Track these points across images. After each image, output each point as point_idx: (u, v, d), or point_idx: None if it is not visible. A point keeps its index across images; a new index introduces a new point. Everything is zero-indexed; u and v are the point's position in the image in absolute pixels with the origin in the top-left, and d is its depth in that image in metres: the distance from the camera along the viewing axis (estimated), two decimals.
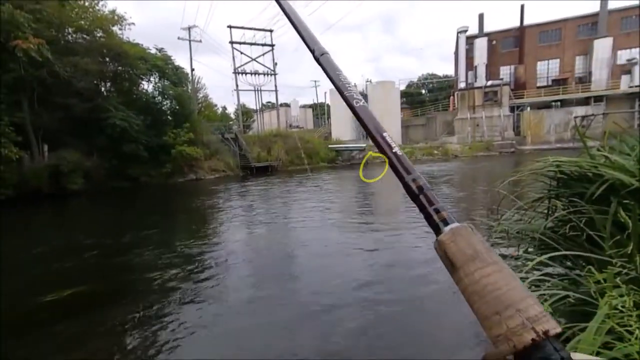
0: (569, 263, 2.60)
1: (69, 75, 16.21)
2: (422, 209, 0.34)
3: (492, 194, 6.42)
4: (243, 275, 4.98)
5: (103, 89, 20.02)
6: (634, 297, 1.50)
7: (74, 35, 18.16)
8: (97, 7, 18.48)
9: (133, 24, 19.94)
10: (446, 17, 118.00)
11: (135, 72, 19.79)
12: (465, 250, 0.28)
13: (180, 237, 7.52)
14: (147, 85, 21.77)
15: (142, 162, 19.76)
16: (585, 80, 31.97)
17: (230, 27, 28.49)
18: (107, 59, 18.91)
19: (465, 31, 36.04)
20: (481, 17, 35.94)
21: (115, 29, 19.11)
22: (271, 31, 30.26)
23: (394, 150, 0.38)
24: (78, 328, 3.65)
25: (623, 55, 31.18)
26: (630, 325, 1.54)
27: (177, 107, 22.04)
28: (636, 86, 28.99)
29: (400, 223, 7.55)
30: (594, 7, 32.24)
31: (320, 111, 53.97)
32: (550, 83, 33.98)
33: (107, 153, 18.58)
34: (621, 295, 1.52)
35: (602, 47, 30.73)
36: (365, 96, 35.52)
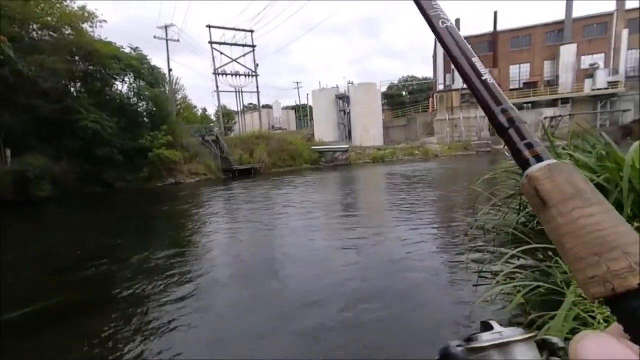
0: (539, 255, 2.73)
1: (34, 75, 15.38)
2: (511, 144, 0.31)
3: (469, 192, 6.63)
4: (225, 280, 4.90)
5: (72, 89, 19.12)
6: None
7: (40, 32, 17.23)
8: (65, 3, 17.57)
9: (105, 21, 19.17)
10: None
11: (107, 71, 19.04)
12: (564, 188, 0.26)
13: (157, 243, 7.29)
14: (122, 86, 21.02)
15: (116, 166, 19.05)
16: (553, 83, 33.68)
17: (209, 26, 28.02)
18: (77, 58, 18.07)
19: None
20: (457, 21, 37.11)
21: (85, 26, 18.27)
22: (252, 31, 30.03)
23: (483, 78, 0.34)
24: (51, 341, 3.47)
25: (586, 60, 33.07)
26: (593, 311, 1.64)
27: (154, 109, 21.38)
28: (598, 89, 30.86)
29: (384, 223, 7.66)
30: (560, 14, 34.01)
31: (302, 112, 53.94)
32: (522, 86, 35.56)
33: (78, 157, 17.75)
34: None
35: (568, 52, 32.51)
36: (347, 97, 35.87)
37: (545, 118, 30.15)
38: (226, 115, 37.89)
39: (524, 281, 2.35)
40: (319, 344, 3.00)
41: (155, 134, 20.16)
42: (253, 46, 30.13)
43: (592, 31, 33.60)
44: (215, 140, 25.02)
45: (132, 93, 20.94)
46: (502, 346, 0.30)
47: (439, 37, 0.37)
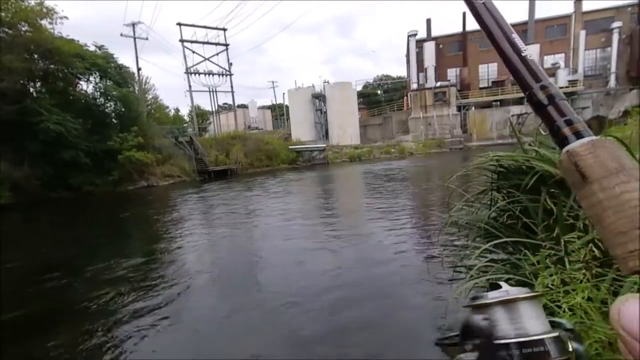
0: (510, 249, 2.84)
1: None
2: (550, 121, 0.31)
3: (443, 189, 6.82)
4: (201, 286, 4.75)
5: (32, 89, 17.91)
6: (560, 275, 1.66)
7: None
8: None
9: (65, 17, 18.01)
10: (400, 20, 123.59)
11: (70, 70, 17.99)
12: (608, 163, 0.26)
13: (124, 251, 6.97)
14: (87, 86, 19.94)
15: (84, 169, 18.10)
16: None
17: (180, 24, 27.14)
18: (36, 56, 16.93)
19: (415, 35, 38.00)
20: (429, 21, 38.17)
21: (44, 22, 17.12)
22: (224, 30, 29.38)
23: (523, 55, 0.33)
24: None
25: (549, 60, 35.04)
26: (559, 301, 1.72)
27: (123, 110, 20.46)
28: (560, 87, 32.70)
29: (361, 222, 7.73)
30: (524, 15, 35.80)
31: (279, 112, 53.52)
32: (490, 84, 37.11)
33: (41, 161, 16.69)
34: (551, 275, 1.67)
35: (531, 52, 33.90)
36: (323, 96, 35.94)
37: (512, 116, 31.67)
38: (200, 115, 36.87)
39: (496, 274, 2.44)
40: (301, 347, 2.98)
41: (125, 135, 19.31)
42: (226, 45, 29.50)
43: (553, 32, 35.66)
44: (189, 142, 24.31)
45: (99, 93, 19.92)
46: (508, 303, 0.31)
47: (475, 13, 0.36)
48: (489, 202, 3.45)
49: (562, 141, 0.29)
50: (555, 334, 0.31)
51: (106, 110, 20.33)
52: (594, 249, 1.82)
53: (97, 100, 20.01)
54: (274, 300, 3.93)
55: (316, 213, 9.10)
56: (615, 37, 32.31)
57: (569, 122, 0.30)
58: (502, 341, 0.31)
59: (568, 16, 34.64)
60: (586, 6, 33.34)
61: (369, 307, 3.56)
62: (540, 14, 35.26)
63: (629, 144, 3.26)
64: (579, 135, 0.29)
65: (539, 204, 2.37)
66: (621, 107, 28.79)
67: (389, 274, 4.39)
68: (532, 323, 0.30)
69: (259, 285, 4.59)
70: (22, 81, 16.70)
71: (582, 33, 33.54)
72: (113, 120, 20.55)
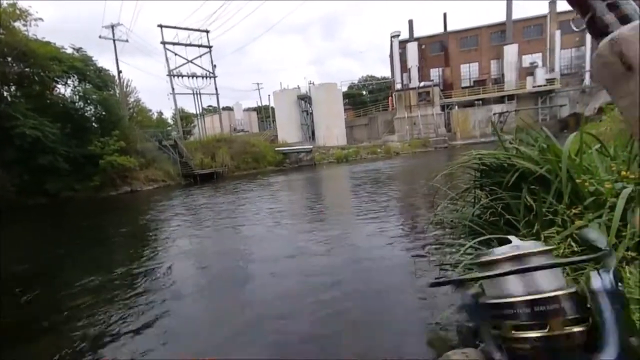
0: (494, 245, 2.90)
1: None
2: (584, 9, 0.25)
3: (429, 187, 6.91)
4: (187, 294, 4.65)
5: (7, 93, 17.22)
6: None
7: None
8: None
9: (40, 19, 17.40)
10: (385, 21, 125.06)
11: (47, 74, 17.38)
12: None
13: (106, 258, 6.77)
14: (65, 90, 19.31)
15: (62, 175, 17.52)
16: (499, 81, 36.37)
17: (161, 26, 26.65)
18: (9, 59, 16.28)
19: (398, 36, 38.52)
20: (410, 22, 38.75)
21: (18, 24, 16.49)
22: (207, 32, 29.02)
23: None
24: None
25: (527, 59, 36.14)
26: None
27: (104, 113, 19.92)
28: (538, 86, 33.86)
29: (349, 223, 7.76)
30: (502, 15, 36.81)
31: (265, 114, 53.18)
32: (472, 84, 37.96)
33: (17, 167, 16.07)
34: None
35: (511, 52, 35.31)
36: (309, 98, 35.95)
37: (494, 114, 32.50)
38: (185, 118, 36.25)
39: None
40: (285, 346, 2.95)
41: (106, 140, 18.80)
42: (209, 47, 29.15)
43: (530, 32, 36.81)
44: (173, 145, 23.87)
45: (78, 97, 19.32)
46: (517, 259, 0.30)
47: None
48: (472, 200, 3.52)
49: (602, 30, 0.23)
50: (572, 289, 0.30)
51: (86, 114, 19.73)
52: (572, 243, 1.88)
53: (76, 104, 19.39)
54: (262, 307, 3.88)
55: (303, 215, 9.07)
56: (588, 37, 33.62)
57: (614, 7, 0.25)
58: (509, 300, 0.30)
59: (544, 17, 35.84)
60: (561, 7, 34.58)
61: (355, 305, 3.57)
62: (518, 14, 36.39)
63: (604, 140, 3.38)
64: (625, 20, 0.25)
65: (520, 201, 2.43)
66: (596, 105, 29.93)
67: (376, 273, 4.42)
68: (545, 279, 0.29)
69: (244, 293, 4.53)
70: None
71: (557, 33, 34.77)
72: (93, 124, 19.98)
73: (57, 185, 17.49)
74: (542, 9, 36.13)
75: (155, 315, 3.88)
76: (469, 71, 39.21)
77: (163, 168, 22.11)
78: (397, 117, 35.39)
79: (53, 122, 16.89)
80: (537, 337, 0.31)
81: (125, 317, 3.91)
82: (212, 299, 4.42)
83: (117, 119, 20.36)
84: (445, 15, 38.32)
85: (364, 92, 55.24)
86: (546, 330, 0.31)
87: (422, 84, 36.04)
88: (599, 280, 0.30)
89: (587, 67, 34.01)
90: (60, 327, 3.91)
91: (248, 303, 4.07)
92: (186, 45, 27.90)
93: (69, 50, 19.16)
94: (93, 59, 20.13)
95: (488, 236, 2.60)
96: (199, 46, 28.77)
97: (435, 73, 39.45)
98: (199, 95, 29.26)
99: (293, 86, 37.74)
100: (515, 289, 0.30)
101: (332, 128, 34.76)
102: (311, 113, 36.25)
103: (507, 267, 0.30)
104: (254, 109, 57.48)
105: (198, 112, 32.46)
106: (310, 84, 36.80)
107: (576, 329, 0.32)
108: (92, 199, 17.69)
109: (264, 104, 55.19)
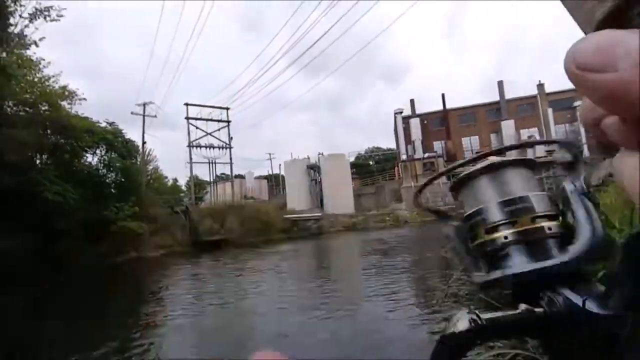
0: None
1: None
2: None
3: (441, 258, 6.86)
4: None
5: (38, 161, 18.56)
6: None
7: (14, 108, 17.24)
8: (47, 83, 18.06)
9: (84, 99, 19.67)
10: (387, 98, 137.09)
11: (79, 144, 18.92)
12: None
13: (103, 333, 6.56)
14: (92, 158, 20.76)
15: (75, 239, 17.71)
16: (501, 152, 37.83)
17: (187, 104, 29.60)
18: (49, 131, 17.96)
19: (401, 112, 41.72)
20: (412, 101, 42.41)
21: (64, 103, 18.64)
22: (227, 109, 31.97)
23: None
24: None
25: (525, 133, 38.08)
26: None
27: (123, 180, 20.99)
28: (539, 157, 34.99)
29: (361, 294, 7.53)
30: (496, 95, 40.13)
31: (275, 182, 54.91)
32: (475, 155, 39.45)
33: (31, 231, 16.39)
34: None
35: (508, 127, 37.50)
36: (318, 167, 37.50)
37: None
38: (198, 185, 37.68)
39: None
40: None
41: (122, 205, 19.41)
42: (228, 121, 31.79)
43: (524, 110, 39.54)
44: (184, 211, 24.41)
45: (102, 165, 20.64)
46: (491, 171, 0.34)
47: None
48: None
49: None
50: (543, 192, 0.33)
51: (106, 180, 20.81)
52: None
53: (100, 171, 20.61)
54: None
55: (313, 284, 8.83)
56: (580, 114, 35.79)
57: None
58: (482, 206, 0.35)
59: (534, 97, 38.83)
60: (549, 88, 37.67)
61: None
62: (510, 93, 39.67)
63: (609, 211, 3.55)
64: None
65: None
66: (600, 175, 30.45)
67: (389, 351, 4.20)
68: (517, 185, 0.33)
69: None
70: (30, 153, 17.38)
71: (550, 110, 37.19)
72: (112, 190, 20.88)
73: (66, 250, 17.54)
74: (532, 88, 39.33)
75: None
76: (470, 143, 41.21)
77: (172, 234, 22.27)
78: (404, 186, 36.12)
79: (75, 187, 17.73)
80: (506, 234, 0.32)
81: None
82: None
83: (135, 186, 21.30)
84: (443, 95, 41.98)
85: (371, 162, 57.45)
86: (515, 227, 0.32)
87: (426, 154, 37.64)
88: (571, 185, 0.33)
89: (583, 140, 35.33)
90: None
91: None
92: (207, 120, 30.54)
93: (103, 124, 21.10)
94: (123, 131, 21.97)
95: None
96: (219, 121, 31.42)
97: (438, 145, 41.48)
98: (214, 164, 30.90)
99: (303, 156, 39.72)
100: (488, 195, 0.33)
101: (341, 196, 35.40)
102: (320, 181, 37.38)
103: (483, 179, 0.36)
104: (265, 177, 59.55)
105: (212, 180, 33.84)
106: (320, 154, 38.74)
107: (545, 223, 0.33)
108: (100, 266, 17.50)
109: (275, 172, 57.40)
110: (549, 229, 0.34)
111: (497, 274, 0.34)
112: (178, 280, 11.68)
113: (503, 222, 0.35)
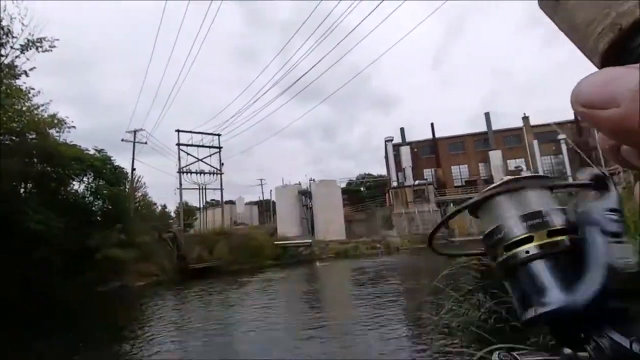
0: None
1: None
2: None
3: (433, 287, 6.78)
4: None
5: (22, 190, 18.04)
6: None
7: (0, 137, 16.76)
8: (36, 112, 17.73)
9: (73, 127, 19.40)
10: (378, 126, 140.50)
11: (66, 172, 18.56)
12: None
13: None
14: (79, 185, 20.31)
15: (56, 269, 16.94)
16: (490, 181, 38.68)
17: (178, 131, 29.78)
18: (35, 160, 17.58)
19: (391, 140, 42.72)
20: (402, 130, 43.57)
21: (52, 131, 18.35)
22: (219, 135, 32.24)
23: None
24: None
25: (512, 163, 39.21)
26: None
27: (110, 207, 20.52)
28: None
29: (350, 327, 7.33)
30: (482, 126, 41.61)
31: (265, 208, 54.43)
32: (464, 183, 40.22)
33: (11, 261, 15.65)
34: None
35: (495, 157, 38.65)
36: (309, 193, 37.50)
37: None
38: (187, 211, 37.02)
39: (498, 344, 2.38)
40: None
41: (107, 232, 18.83)
42: (219, 147, 31.94)
43: (511, 141, 40.93)
44: (172, 238, 23.79)
45: (89, 192, 20.22)
46: (509, 189, 0.36)
47: None
48: (477, 303, 3.53)
49: None
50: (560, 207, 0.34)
51: (93, 208, 20.31)
52: None
53: (86, 198, 20.16)
54: None
55: (302, 316, 8.55)
56: (564, 147, 37.19)
57: None
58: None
59: (520, 129, 40.37)
60: (534, 120, 39.29)
61: None
62: (497, 124, 41.18)
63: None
64: None
65: None
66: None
67: None
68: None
69: None
70: (14, 182, 16.92)
71: (535, 142, 38.60)
72: (97, 217, 20.34)
73: (43, 281, 16.70)
74: (518, 120, 40.94)
75: None
76: (459, 172, 42.11)
77: (158, 262, 21.52)
78: (395, 213, 36.24)
79: (60, 215, 17.20)
80: (527, 249, 0.32)
81: None
82: None
83: (121, 214, 20.79)
84: (432, 124, 43.36)
85: (362, 189, 57.77)
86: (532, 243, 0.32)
87: (416, 182, 38.16)
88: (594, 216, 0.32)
89: (568, 172, 36.33)
90: None
91: None
92: (198, 146, 30.63)
93: (92, 152, 20.87)
94: (112, 158, 21.74)
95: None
96: (210, 147, 31.54)
97: (428, 173, 42.23)
98: (204, 190, 30.60)
99: (294, 182, 39.83)
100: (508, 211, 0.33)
101: (332, 223, 35.19)
102: (311, 207, 37.25)
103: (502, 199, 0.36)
104: (255, 203, 59.05)
105: (201, 206, 33.35)
106: (311, 180, 38.90)
107: (559, 237, 0.33)
108: (79, 295, 16.63)
109: (265, 198, 57.06)
110: (564, 242, 0.33)
111: (532, 312, 0.32)
112: (154, 315, 11.14)
113: (522, 236, 0.35)
